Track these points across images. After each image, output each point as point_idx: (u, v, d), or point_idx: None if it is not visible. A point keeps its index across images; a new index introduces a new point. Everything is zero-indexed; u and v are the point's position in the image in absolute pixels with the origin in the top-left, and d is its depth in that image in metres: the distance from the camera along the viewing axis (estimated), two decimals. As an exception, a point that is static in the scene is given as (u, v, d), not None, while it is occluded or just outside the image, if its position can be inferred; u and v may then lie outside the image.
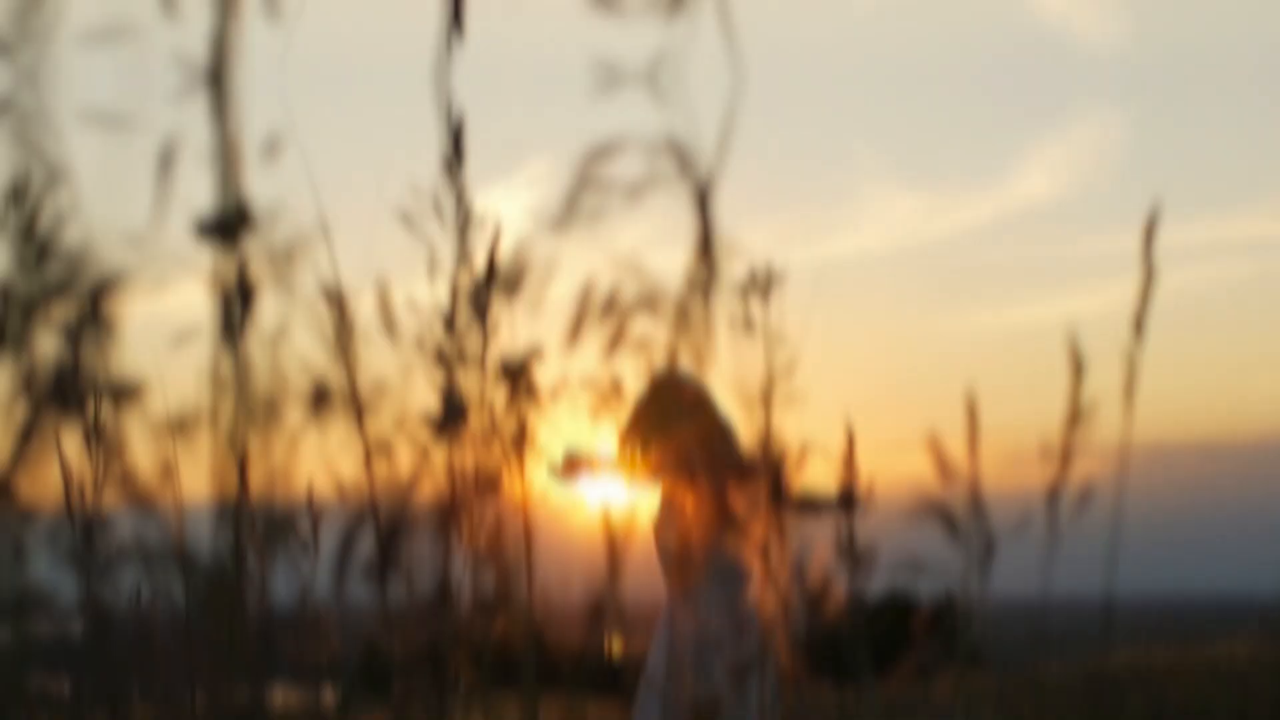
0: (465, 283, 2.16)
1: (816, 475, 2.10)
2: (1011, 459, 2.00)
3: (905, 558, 2.01)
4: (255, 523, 1.65)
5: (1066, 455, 1.89)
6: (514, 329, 2.08)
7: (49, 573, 1.48)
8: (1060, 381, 1.98)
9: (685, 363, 1.75)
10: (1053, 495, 1.89)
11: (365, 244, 2.01)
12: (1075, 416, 1.90)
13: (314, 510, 1.95)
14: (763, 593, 2.04)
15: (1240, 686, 14.44)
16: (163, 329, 1.82)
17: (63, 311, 1.49)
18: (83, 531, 1.51)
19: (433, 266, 2.20)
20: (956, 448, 1.95)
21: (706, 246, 1.63)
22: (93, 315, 1.50)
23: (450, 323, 2.11)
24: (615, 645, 2.02)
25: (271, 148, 1.54)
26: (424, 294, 2.16)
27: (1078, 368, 1.91)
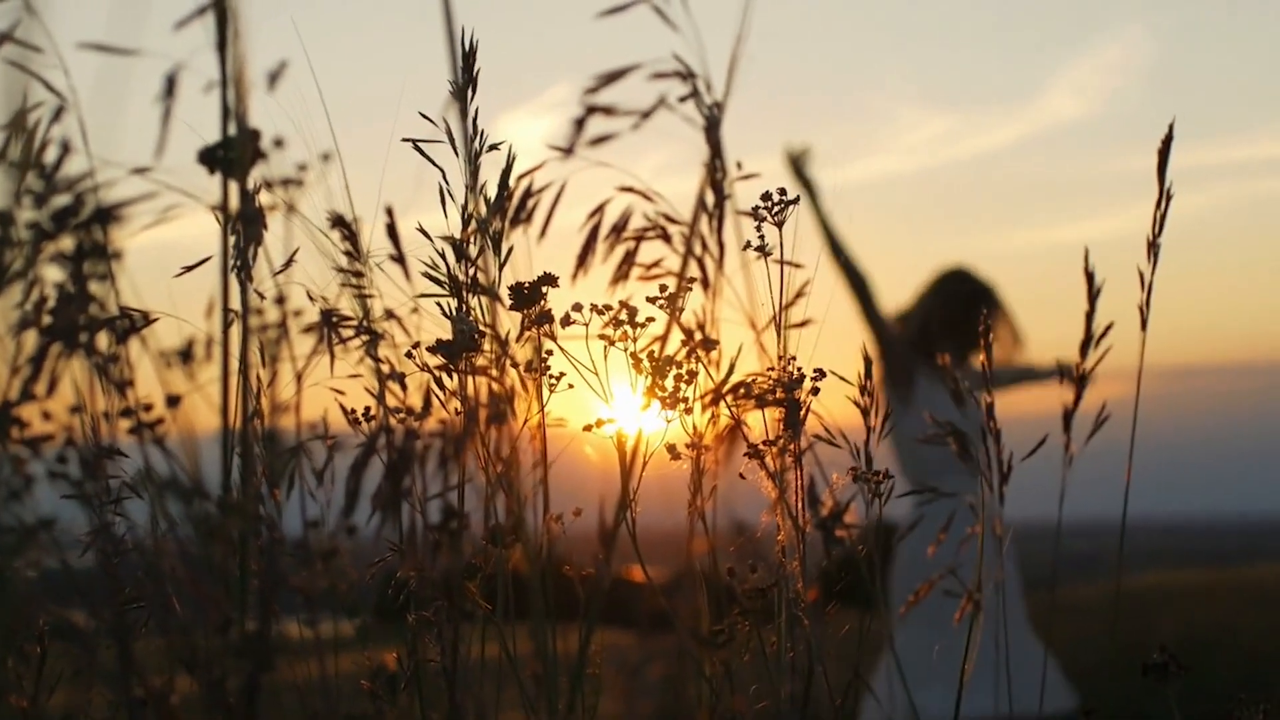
0: (477, 210, 2.15)
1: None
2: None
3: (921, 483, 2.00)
4: (264, 453, 1.65)
5: (1081, 377, 1.88)
6: (528, 257, 2.07)
7: (57, 506, 1.48)
8: (1080, 303, 1.97)
9: (696, 288, 1.74)
10: (1067, 418, 1.88)
11: (376, 172, 2.00)
12: (1089, 338, 1.88)
13: (326, 440, 1.94)
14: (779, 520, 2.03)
15: (1268, 608, 14.46)
16: (171, 259, 1.82)
17: (68, 243, 1.48)
18: (91, 463, 1.50)
19: (444, 194, 2.19)
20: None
21: (716, 170, 1.61)
22: (99, 246, 1.49)
23: (461, 250, 2.10)
24: (630, 574, 2.02)
25: (277, 75, 1.52)
26: (438, 222, 2.16)
27: (1092, 289, 1.90)
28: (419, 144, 2.14)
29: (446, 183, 2.18)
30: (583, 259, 1.67)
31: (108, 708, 1.72)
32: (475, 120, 2.20)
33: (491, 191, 2.17)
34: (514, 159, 2.17)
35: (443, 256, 2.12)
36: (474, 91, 2.20)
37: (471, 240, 2.09)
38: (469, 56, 2.20)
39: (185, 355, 1.50)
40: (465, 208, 2.15)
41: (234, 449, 1.57)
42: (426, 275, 2.12)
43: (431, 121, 2.11)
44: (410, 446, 1.55)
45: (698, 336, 1.87)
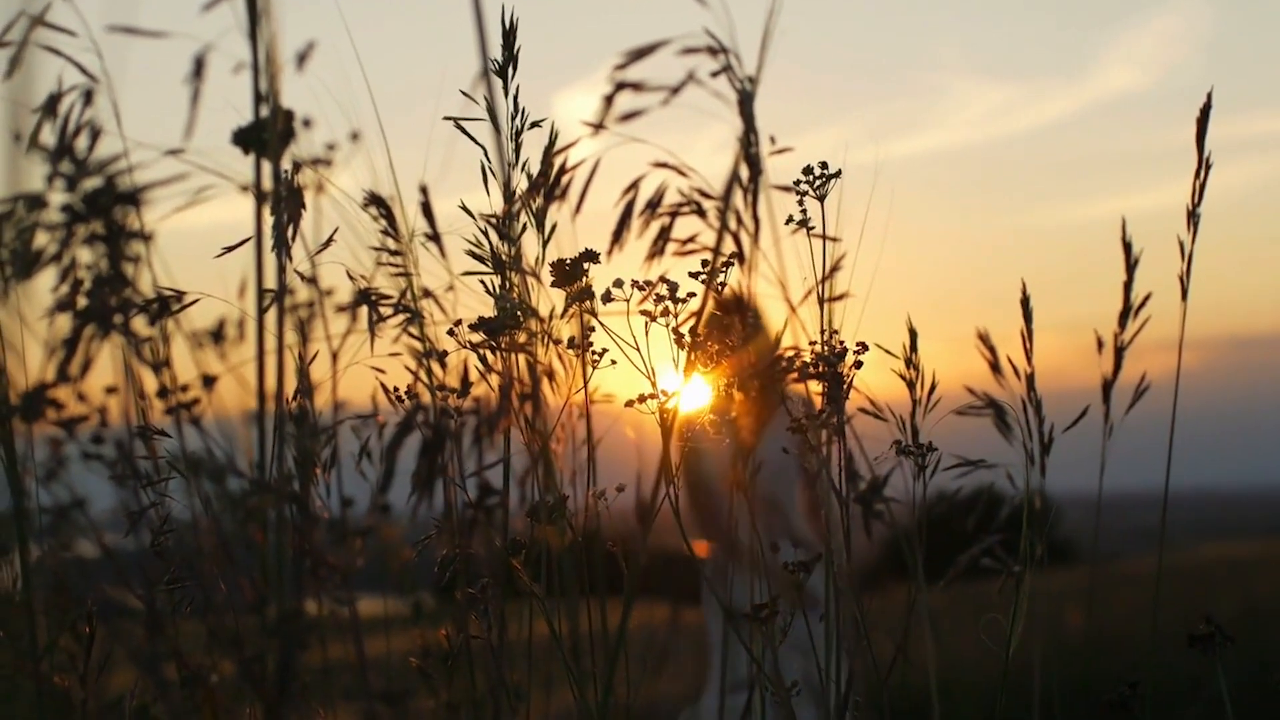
0: (518, 188, 2.15)
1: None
2: (1085, 355, 1.98)
3: (962, 456, 1.99)
4: (302, 432, 1.65)
5: (1119, 349, 1.87)
6: (571, 234, 2.07)
7: (99, 488, 1.48)
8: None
9: (732, 263, 1.73)
10: (1107, 389, 1.86)
11: (415, 152, 2.00)
12: (1127, 309, 1.87)
13: (370, 418, 1.95)
14: (821, 495, 2.03)
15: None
16: (206, 240, 1.82)
17: (101, 225, 1.48)
18: (128, 445, 1.51)
19: (485, 172, 2.19)
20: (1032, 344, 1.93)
21: (750, 144, 1.61)
22: (132, 228, 1.49)
23: (502, 229, 2.10)
24: (671, 547, 2.02)
25: (307, 55, 1.52)
26: (479, 200, 2.16)
27: (1130, 260, 1.88)
28: (460, 122, 2.14)
29: (488, 160, 2.18)
30: (618, 235, 1.67)
31: (155, 688, 1.73)
32: (516, 98, 2.20)
33: (534, 169, 2.18)
34: (556, 136, 2.17)
35: (485, 235, 2.12)
36: (514, 69, 2.20)
37: (512, 217, 2.09)
38: (509, 34, 2.20)
39: (217, 335, 1.50)
40: (507, 185, 2.15)
41: (272, 429, 1.57)
42: (469, 254, 2.12)
43: (473, 100, 2.11)
44: (446, 424, 1.55)
45: (735, 311, 1.86)
